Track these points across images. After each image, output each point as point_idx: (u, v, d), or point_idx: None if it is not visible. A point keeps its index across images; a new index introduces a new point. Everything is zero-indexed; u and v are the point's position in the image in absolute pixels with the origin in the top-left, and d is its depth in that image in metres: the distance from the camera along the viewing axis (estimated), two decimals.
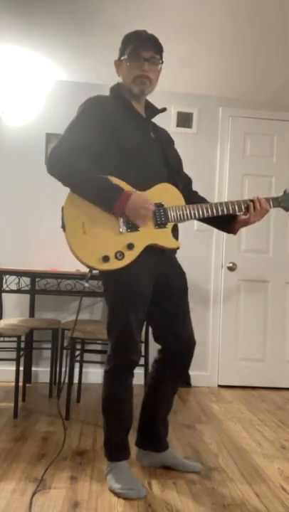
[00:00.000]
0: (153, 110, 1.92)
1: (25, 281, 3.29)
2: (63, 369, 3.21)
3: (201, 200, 1.97)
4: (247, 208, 1.84)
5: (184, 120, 3.66)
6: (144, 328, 2.05)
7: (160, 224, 1.73)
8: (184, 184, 1.97)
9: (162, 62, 1.84)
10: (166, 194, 1.77)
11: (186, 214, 1.77)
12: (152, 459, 1.97)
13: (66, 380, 2.69)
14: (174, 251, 1.88)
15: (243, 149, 3.72)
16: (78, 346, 3.08)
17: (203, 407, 3.02)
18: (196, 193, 2.05)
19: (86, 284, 1.80)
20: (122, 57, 1.84)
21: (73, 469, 1.96)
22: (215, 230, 3.63)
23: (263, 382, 3.63)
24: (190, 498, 1.75)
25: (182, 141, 3.84)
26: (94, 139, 1.71)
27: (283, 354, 3.68)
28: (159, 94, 3.65)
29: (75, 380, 3.03)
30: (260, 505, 1.72)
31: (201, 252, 3.64)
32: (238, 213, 1.87)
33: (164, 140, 1.92)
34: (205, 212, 1.79)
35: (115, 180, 1.69)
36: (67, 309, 3.53)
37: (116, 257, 1.66)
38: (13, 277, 3.12)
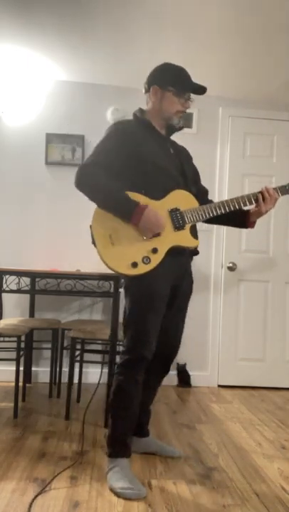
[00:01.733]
0: (172, 129, 2.08)
1: (25, 281, 3.29)
2: (64, 369, 3.21)
3: None
4: (257, 200, 1.99)
5: (184, 120, 3.65)
6: None
7: (178, 227, 1.90)
8: (201, 194, 2.15)
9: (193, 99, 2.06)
10: (181, 199, 1.93)
11: (201, 214, 1.93)
12: (136, 444, 2.08)
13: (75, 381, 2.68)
14: (190, 257, 2.08)
15: (243, 149, 3.72)
16: (78, 346, 3.08)
17: (203, 407, 3.02)
18: (211, 201, 2.17)
19: (121, 290, 2.14)
20: (169, 88, 1.98)
21: (73, 469, 1.96)
22: (215, 230, 3.65)
23: (263, 382, 3.63)
24: (190, 498, 1.75)
25: (182, 141, 3.83)
26: (116, 157, 1.90)
27: (283, 354, 3.68)
28: None
29: (75, 380, 3.03)
30: (260, 505, 1.72)
31: (201, 252, 3.62)
32: (248, 206, 2.01)
33: (182, 156, 2.12)
34: (218, 209, 1.95)
35: (132, 195, 1.86)
36: (67, 309, 3.53)
37: (143, 261, 1.83)
38: (13, 277, 3.12)
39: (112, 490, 1.77)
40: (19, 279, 3.18)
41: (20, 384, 2.75)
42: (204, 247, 3.64)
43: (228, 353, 3.65)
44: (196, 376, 3.59)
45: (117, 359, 2.41)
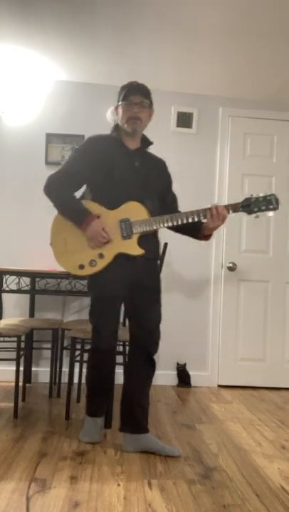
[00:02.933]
0: (146, 143, 2.28)
1: (25, 281, 3.29)
2: (64, 369, 3.21)
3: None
4: (205, 216, 2.13)
5: (184, 120, 3.66)
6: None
7: (126, 236, 2.11)
8: (169, 203, 2.34)
9: (151, 104, 2.22)
10: (133, 210, 2.12)
11: (148, 225, 2.11)
12: (134, 442, 2.17)
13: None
14: (150, 259, 2.21)
15: (243, 149, 3.72)
16: (78, 346, 3.08)
17: (203, 407, 3.02)
18: (177, 209, 2.37)
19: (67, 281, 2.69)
20: (119, 104, 2.21)
21: (73, 469, 1.96)
22: (215, 231, 3.65)
23: (263, 382, 3.63)
24: (190, 498, 1.75)
25: (182, 141, 3.86)
26: (81, 169, 2.17)
27: (283, 354, 3.68)
28: (160, 94, 3.64)
29: (75, 380, 3.03)
30: (260, 505, 1.72)
31: (201, 252, 3.64)
32: (196, 220, 2.14)
33: (151, 168, 2.26)
34: (165, 222, 2.12)
35: (88, 204, 2.14)
36: (67, 309, 3.53)
37: (90, 264, 2.11)
38: (13, 277, 3.12)
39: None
40: (19, 279, 3.18)
41: (21, 384, 2.75)
42: (204, 247, 3.65)
43: (228, 353, 3.64)
44: (196, 376, 3.59)
45: (118, 359, 2.46)
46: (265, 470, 2.05)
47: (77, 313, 3.53)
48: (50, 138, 3.54)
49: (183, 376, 3.56)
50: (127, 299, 2.24)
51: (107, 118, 3.53)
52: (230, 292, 3.67)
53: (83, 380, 3.20)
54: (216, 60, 3.16)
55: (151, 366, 2.24)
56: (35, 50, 3.13)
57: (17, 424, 2.50)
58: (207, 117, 3.70)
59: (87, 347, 3.30)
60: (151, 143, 2.29)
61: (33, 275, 3.15)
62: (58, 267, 3.22)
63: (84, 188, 2.26)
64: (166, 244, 2.87)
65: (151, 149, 2.32)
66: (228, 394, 3.41)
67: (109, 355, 2.26)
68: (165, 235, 2.59)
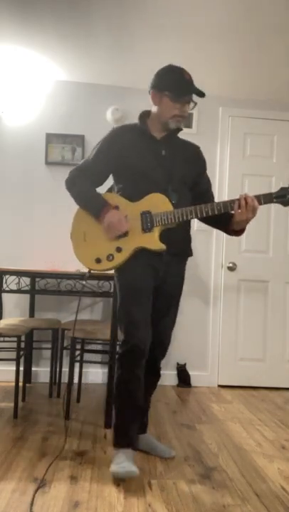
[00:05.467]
0: (173, 130, 2.09)
1: (25, 281, 3.29)
2: (64, 369, 3.21)
3: None
4: (232, 208, 1.94)
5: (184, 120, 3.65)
6: None
7: (146, 229, 1.96)
8: (200, 192, 2.14)
9: (196, 103, 2.05)
10: (155, 202, 1.97)
11: (171, 218, 1.93)
12: None
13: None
14: (175, 255, 2.05)
15: (243, 149, 3.72)
16: (78, 346, 3.08)
17: (203, 407, 3.02)
18: (213, 201, 2.13)
19: (83, 282, 2.24)
20: (166, 92, 1.98)
21: (73, 469, 1.96)
22: (215, 230, 3.64)
23: (263, 382, 3.63)
24: (190, 498, 1.75)
25: None
26: (104, 169, 2.10)
27: (283, 354, 3.68)
28: None
29: (75, 380, 3.03)
30: (260, 505, 1.72)
31: (201, 252, 3.64)
32: (223, 212, 1.96)
33: (178, 156, 2.09)
34: (189, 215, 1.93)
35: (107, 196, 2.06)
36: (67, 309, 3.52)
37: (107, 258, 1.99)
38: (13, 277, 3.12)
39: (112, 473, 1.87)
40: (19, 279, 3.18)
41: (20, 384, 2.75)
42: (204, 247, 3.65)
43: (228, 353, 3.64)
44: (196, 376, 3.59)
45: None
46: (265, 470, 2.05)
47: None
48: (50, 138, 3.54)
49: (183, 376, 3.56)
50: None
51: (107, 118, 3.53)
52: (230, 292, 3.67)
53: (83, 380, 3.22)
54: (216, 60, 3.16)
55: (154, 371, 2.15)
56: (35, 50, 3.14)
57: (17, 424, 2.50)
58: (207, 117, 3.70)
59: (87, 347, 3.32)
60: (181, 129, 2.11)
61: (33, 275, 3.15)
62: (59, 267, 3.25)
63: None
64: None
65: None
66: (228, 394, 3.41)
67: (143, 355, 1.96)
68: None
